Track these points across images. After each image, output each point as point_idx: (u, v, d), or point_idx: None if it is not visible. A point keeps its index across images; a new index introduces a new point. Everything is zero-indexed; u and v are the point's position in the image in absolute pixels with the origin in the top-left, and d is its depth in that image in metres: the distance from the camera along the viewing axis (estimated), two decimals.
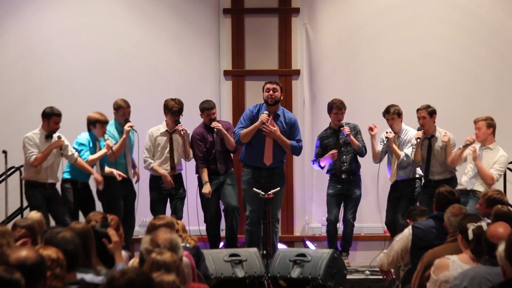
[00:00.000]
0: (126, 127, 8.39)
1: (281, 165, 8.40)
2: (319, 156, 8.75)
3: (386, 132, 8.62)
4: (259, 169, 8.24)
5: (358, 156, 8.68)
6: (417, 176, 8.63)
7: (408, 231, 5.80)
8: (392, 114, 8.56)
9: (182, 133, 8.39)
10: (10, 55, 9.58)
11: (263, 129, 8.12)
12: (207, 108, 8.48)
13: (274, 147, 8.21)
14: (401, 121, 8.65)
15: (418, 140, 8.37)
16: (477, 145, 8.32)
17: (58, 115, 8.13)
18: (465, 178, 8.32)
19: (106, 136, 8.34)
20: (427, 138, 8.46)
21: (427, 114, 8.41)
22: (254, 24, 9.59)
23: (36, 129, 8.19)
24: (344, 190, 8.63)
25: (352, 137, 8.55)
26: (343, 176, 8.62)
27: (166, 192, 8.52)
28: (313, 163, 8.84)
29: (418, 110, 8.47)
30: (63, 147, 8.14)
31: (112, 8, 9.67)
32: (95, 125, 8.28)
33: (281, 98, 8.31)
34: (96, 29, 9.58)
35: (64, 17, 9.59)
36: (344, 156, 8.63)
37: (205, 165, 8.48)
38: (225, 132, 8.44)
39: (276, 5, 9.59)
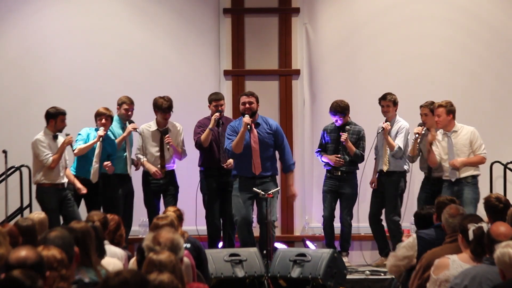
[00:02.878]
0: (130, 127, 8.45)
1: (273, 174, 8.16)
2: (322, 147, 8.77)
3: (383, 123, 8.59)
4: (251, 179, 8.03)
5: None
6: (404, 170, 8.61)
7: (413, 240, 5.75)
8: (388, 101, 8.57)
9: (168, 146, 8.46)
10: (10, 55, 9.57)
11: None
12: (215, 99, 8.54)
13: (262, 156, 8.04)
14: (396, 111, 8.64)
15: (417, 135, 8.34)
16: (439, 132, 8.26)
17: (64, 113, 8.18)
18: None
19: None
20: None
21: (429, 112, 8.35)
22: (254, 24, 9.58)
23: (41, 132, 8.17)
24: (337, 187, 8.66)
25: (349, 143, 8.56)
26: (337, 173, 8.64)
27: (157, 187, 8.55)
28: (317, 154, 8.86)
29: (421, 106, 8.45)
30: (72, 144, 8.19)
31: (113, 8, 9.67)
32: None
33: (257, 108, 8.09)
34: (96, 29, 9.58)
35: (64, 17, 9.59)
36: (343, 153, 8.65)
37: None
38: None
39: (276, 5, 9.59)
